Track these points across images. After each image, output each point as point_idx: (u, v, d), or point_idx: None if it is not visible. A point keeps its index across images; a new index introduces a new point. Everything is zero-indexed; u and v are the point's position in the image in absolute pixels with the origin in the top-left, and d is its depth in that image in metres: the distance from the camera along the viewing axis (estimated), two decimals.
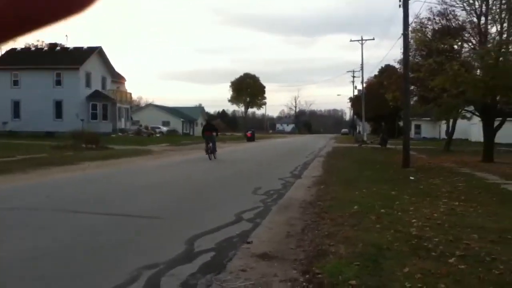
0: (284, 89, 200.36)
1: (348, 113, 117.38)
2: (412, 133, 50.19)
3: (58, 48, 46.92)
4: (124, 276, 4.18)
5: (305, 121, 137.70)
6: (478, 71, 19.14)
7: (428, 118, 50.88)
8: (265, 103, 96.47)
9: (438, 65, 17.79)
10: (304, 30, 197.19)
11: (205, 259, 4.84)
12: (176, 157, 21.85)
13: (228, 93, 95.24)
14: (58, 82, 42.22)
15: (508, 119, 20.73)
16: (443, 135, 47.40)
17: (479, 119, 21.47)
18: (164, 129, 59.59)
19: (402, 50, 17.55)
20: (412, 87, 20.89)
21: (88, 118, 42.08)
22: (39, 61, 43.15)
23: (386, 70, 42.93)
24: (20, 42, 45.19)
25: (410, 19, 18.10)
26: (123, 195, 9.58)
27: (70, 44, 54.38)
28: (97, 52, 44.95)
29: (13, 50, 47.01)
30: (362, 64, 50.70)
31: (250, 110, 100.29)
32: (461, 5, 18.99)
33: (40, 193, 9.57)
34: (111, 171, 14.82)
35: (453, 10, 19.66)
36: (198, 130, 73.06)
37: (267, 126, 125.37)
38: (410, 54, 18.96)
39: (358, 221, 6.64)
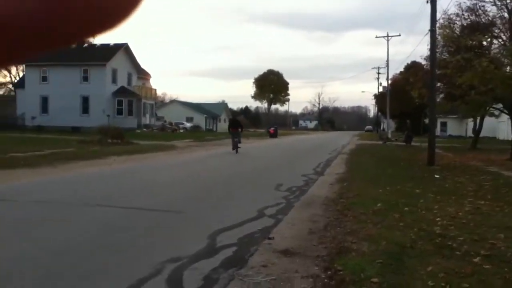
0: (307, 85, 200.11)
1: (372, 110, 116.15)
2: (438, 131, 49.31)
3: (86, 45, 47.74)
4: (147, 269, 4.25)
5: (328, 118, 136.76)
6: (508, 68, 18.66)
7: (455, 116, 49.99)
8: (288, 100, 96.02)
9: (466, 62, 17.43)
10: (328, 26, 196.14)
11: (227, 254, 4.88)
12: (200, 153, 22.03)
13: (251, 89, 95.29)
14: (85, 78, 43.01)
15: None
16: (470, 133, 46.44)
17: (508, 117, 20.97)
18: (188, 125, 60.04)
19: (429, 47, 17.29)
20: (438, 84, 20.55)
21: (114, 114, 42.76)
22: (67, 58, 43.96)
23: (412, 67, 42.26)
24: None
25: (438, 15, 17.80)
26: (148, 189, 9.72)
27: (97, 41, 55.41)
28: (123, 48, 45.58)
29: None
30: (387, 61, 50.04)
31: (273, 106, 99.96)
32: (492, 0, 18.55)
33: (67, 187, 9.80)
34: (136, 165, 15.04)
35: (483, 6, 19.23)
36: (221, 126, 73.58)
37: (290, 122, 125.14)
38: (437, 50, 18.63)
39: (381, 219, 6.59)
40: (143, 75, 52.24)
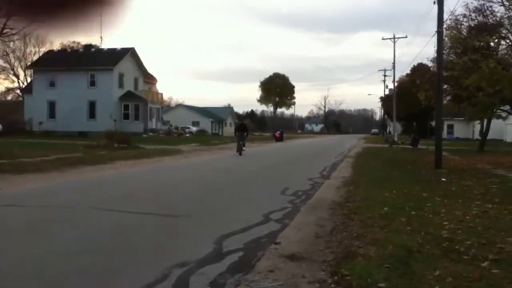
0: (313, 88, 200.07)
1: (378, 113, 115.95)
2: (445, 133, 49.09)
3: (93, 49, 48.04)
4: (154, 274, 4.26)
5: (334, 121, 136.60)
6: None
7: (462, 118, 49.75)
8: (294, 103, 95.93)
9: (473, 63, 17.35)
10: (334, 28, 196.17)
11: (234, 259, 4.88)
12: (205, 157, 22.07)
13: (257, 93, 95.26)
14: (92, 83, 43.26)
15: None
16: (477, 135, 46.22)
17: None
18: (194, 129, 60.23)
19: (436, 48, 17.21)
20: (445, 86, 20.45)
21: (121, 118, 42.96)
22: (75, 63, 44.30)
23: (419, 69, 42.10)
24: (56, 44, 46.45)
25: (445, 16, 17.71)
26: (154, 193, 9.75)
27: (105, 45, 55.70)
28: (130, 53, 45.83)
29: (50, 52, 48.48)
30: (394, 63, 49.88)
31: (279, 110, 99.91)
32: (499, 1, 18.42)
33: (74, 191, 9.85)
34: (142, 170, 15.10)
35: (491, 6, 19.11)
36: (227, 130, 73.72)
37: (296, 126, 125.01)
38: (444, 52, 18.56)
39: (388, 222, 6.56)
40: (150, 79, 52.47)
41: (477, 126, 46.49)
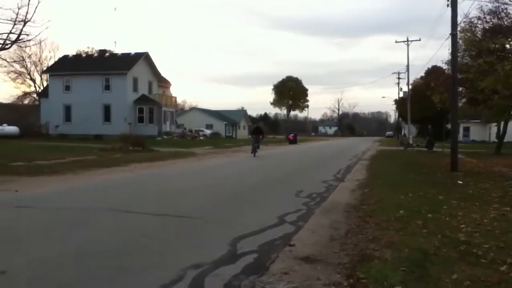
0: (327, 91, 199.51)
1: (393, 116, 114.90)
2: (461, 136, 48.51)
3: (107, 54, 48.57)
4: (170, 275, 4.28)
5: (348, 124, 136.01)
6: None
7: (478, 121, 49.16)
8: (307, 106, 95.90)
9: (488, 66, 17.15)
10: (346, 31, 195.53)
11: (248, 260, 4.88)
12: (219, 159, 22.11)
13: (270, 96, 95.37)
14: (107, 87, 43.71)
15: None
16: (494, 138, 45.52)
17: None
18: (208, 132, 60.47)
19: (450, 51, 17.03)
20: (460, 89, 20.24)
21: (135, 122, 43.33)
22: (90, 67, 44.88)
23: (433, 71, 41.80)
24: (71, 49, 47.06)
25: (459, 18, 17.51)
26: (168, 196, 9.79)
27: (119, 50, 56.25)
28: (144, 57, 46.23)
29: (65, 57, 49.16)
30: (407, 66, 49.49)
31: (292, 112, 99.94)
32: None
33: (88, 193, 9.95)
34: (156, 172, 15.18)
35: (506, 8, 18.91)
36: (241, 133, 73.87)
37: (309, 129, 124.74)
38: (458, 54, 18.38)
39: (403, 225, 6.50)
40: (163, 83, 52.84)
41: (493, 128, 45.78)
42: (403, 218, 7.06)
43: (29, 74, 58.87)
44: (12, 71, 55.95)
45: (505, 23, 19.08)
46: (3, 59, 33.26)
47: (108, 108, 43.51)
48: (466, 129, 57.16)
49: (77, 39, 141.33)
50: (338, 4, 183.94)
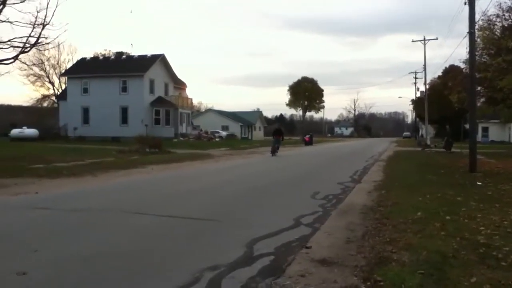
0: (342, 91, 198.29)
1: (410, 116, 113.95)
2: (479, 136, 47.83)
3: (124, 56, 49.12)
4: (186, 277, 4.31)
5: (365, 125, 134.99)
6: None
7: (497, 120, 48.34)
8: (323, 107, 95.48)
9: (507, 64, 16.89)
10: (362, 31, 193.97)
11: (264, 263, 4.88)
12: (235, 161, 22.17)
13: (286, 97, 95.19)
14: (124, 89, 44.19)
15: None
16: None
17: None
18: (224, 133, 60.68)
19: (468, 50, 16.78)
20: (478, 88, 19.96)
21: (152, 123, 43.70)
22: (107, 70, 45.43)
23: (451, 71, 41.25)
24: (89, 52, 47.82)
25: (477, 16, 17.30)
26: (185, 197, 9.85)
27: (135, 52, 56.84)
28: (160, 59, 46.63)
29: (83, 60, 49.85)
30: (424, 65, 48.96)
31: (308, 113, 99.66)
32: None
33: (106, 195, 10.07)
34: (173, 174, 15.29)
35: None
36: (257, 134, 73.96)
37: (325, 129, 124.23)
38: (476, 53, 18.11)
39: (421, 227, 6.43)
40: (179, 85, 53.19)
41: None
42: (421, 220, 6.98)
43: (48, 77, 59.94)
44: (31, 74, 57.10)
45: None
46: (22, 62, 33.91)
47: (125, 110, 43.97)
48: (485, 129, 56.33)
49: (94, 41, 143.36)
50: (351, 3, 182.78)
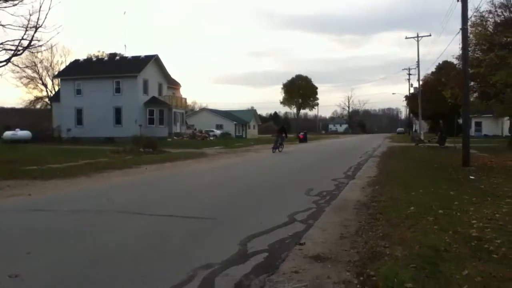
0: (337, 89, 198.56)
1: (403, 112, 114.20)
2: (472, 131, 48.08)
3: (118, 57, 48.96)
4: (180, 276, 4.31)
5: (359, 121, 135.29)
6: None
7: (490, 115, 48.61)
8: (317, 104, 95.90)
9: (500, 59, 16.97)
10: (356, 29, 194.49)
11: (258, 260, 4.89)
12: (229, 159, 22.15)
13: (280, 95, 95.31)
14: (118, 90, 44.05)
15: None
16: (506, 132, 45.05)
17: None
18: (218, 132, 60.61)
19: (461, 46, 16.85)
20: (472, 83, 20.05)
21: (146, 123, 43.61)
22: (100, 71, 45.28)
23: (444, 67, 41.46)
24: (82, 54, 47.71)
25: (470, 13, 17.36)
26: (179, 196, 9.84)
27: (129, 53, 56.67)
28: (153, 60, 46.52)
29: (76, 62, 49.65)
30: (418, 61, 49.26)
31: (302, 111, 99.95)
32: None
33: (101, 196, 10.03)
34: (167, 173, 15.26)
35: None
36: (251, 132, 73.91)
37: (319, 127, 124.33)
38: (469, 49, 18.18)
39: (414, 222, 6.47)
40: (173, 85, 53.09)
41: (506, 123, 45.34)
42: (414, 214, 7.02)
43: (40, 79, 59.71)
44: (24, 76, 56.90)
45: None
46: (15, 65, 33.69)
47: (119, 110, 43.84)
48: (478, 124, 56.63)
49: (87, 43, 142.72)
50: (345, 0, 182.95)
